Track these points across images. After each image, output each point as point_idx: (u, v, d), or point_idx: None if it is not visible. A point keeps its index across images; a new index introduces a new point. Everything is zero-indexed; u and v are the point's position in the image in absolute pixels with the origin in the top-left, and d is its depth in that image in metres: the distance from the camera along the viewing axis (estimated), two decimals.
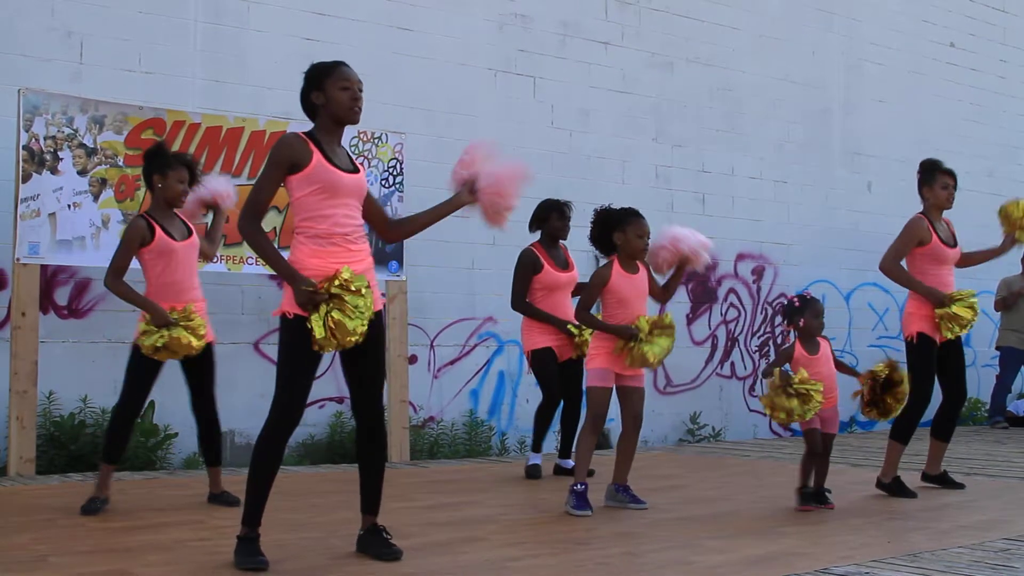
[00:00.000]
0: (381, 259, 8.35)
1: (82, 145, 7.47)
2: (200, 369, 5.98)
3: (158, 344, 5.71)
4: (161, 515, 5.75)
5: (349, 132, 8.42)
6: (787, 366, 6.09)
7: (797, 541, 5.26)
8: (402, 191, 8.70)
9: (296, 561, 4.55)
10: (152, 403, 6.75)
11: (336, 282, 4.37)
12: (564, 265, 7.58)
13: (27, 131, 7.27)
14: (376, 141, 8.63)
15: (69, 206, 7.39)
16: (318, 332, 4.34)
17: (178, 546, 4.86)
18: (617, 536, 5.36)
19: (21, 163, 7.24)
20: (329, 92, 4.56)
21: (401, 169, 8.73)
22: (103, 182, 7.54)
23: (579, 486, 5.99)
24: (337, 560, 4.62)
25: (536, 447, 7.71)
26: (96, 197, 7.50)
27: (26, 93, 7.31)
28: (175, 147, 7.59)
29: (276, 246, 4.71)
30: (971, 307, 6.75)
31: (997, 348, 12.41)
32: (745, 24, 11.64)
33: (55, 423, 7.68)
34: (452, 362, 9.66)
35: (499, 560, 4.73)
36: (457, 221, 9.46)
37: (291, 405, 4.45)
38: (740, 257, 11.50)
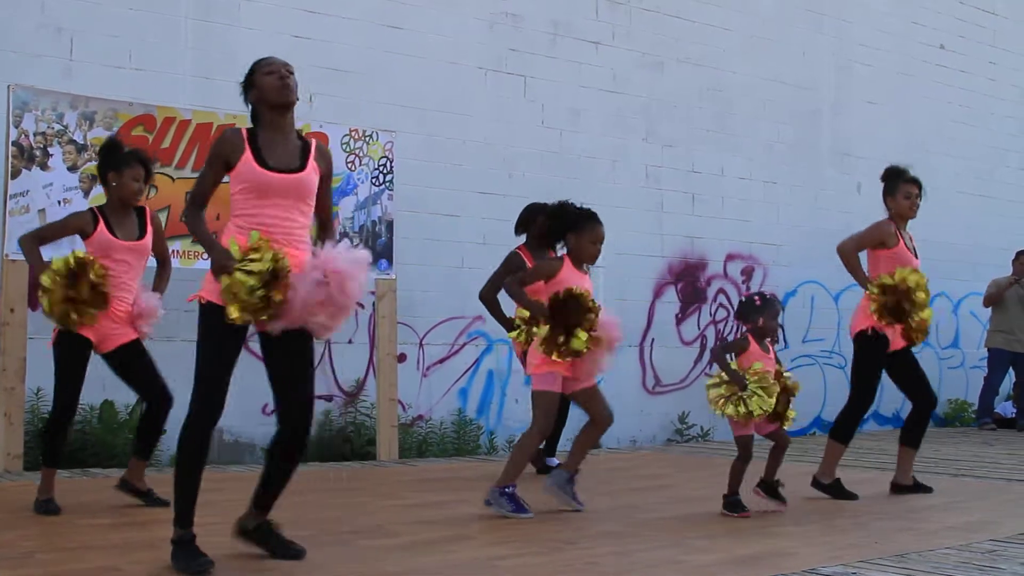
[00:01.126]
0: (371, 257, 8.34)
1: (72, 141, 7.45)
2: (131, 361, 5.88)
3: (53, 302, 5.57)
4: (149, 512, 5.75)
5: (339, 130, 8.45)
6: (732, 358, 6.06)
7: (785, 541, 5.27)
8: (392, 189, 8.70)
9: (280, 560, 4.53)
10: (140, 400, 6.74)
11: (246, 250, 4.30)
12: None
13: (16, 127, 7.25)
14: (367, 139, 8.62)
15: (59, 202, 7.36)
16: (224, 294, 4.25)
17: (165, 544, 4.84)
18: (605, 535, 5.37)
19: (10, 159, 7.22)
20: (257, 82, 4.51)
21: (391, 167, 8.72)
22: (93, 179, 7.51)
23: (509, 488, 5.89)
24: (329, 558, 4.61)
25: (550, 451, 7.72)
26: (86, 193, 7.47)
27: (16, 89, 7.29)
28: (165, 143, 7.59)
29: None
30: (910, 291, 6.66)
31: (986, 349, 12.45)
32: (736, 25, 11.65)
33: (43, 420, 7.65)
34: (441, 361, 9.66)
35: (487, 559, 4.74)
36: (446, 219, 9.54)
37: (212, 395, 4.35)
38: (729, 257, 11.51)
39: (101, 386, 7.72)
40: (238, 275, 4.23)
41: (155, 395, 5.95)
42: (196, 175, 7.73)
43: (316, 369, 8.31)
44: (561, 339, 5.86)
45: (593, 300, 5.98)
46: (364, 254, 4.48)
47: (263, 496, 4.60)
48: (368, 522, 5.54)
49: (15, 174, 7.24)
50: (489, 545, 5.12)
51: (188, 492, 4.37)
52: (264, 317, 4.32)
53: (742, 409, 5.89)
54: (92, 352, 5.83)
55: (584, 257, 6.09)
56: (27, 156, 7.28)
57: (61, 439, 5.84)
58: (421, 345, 9.52)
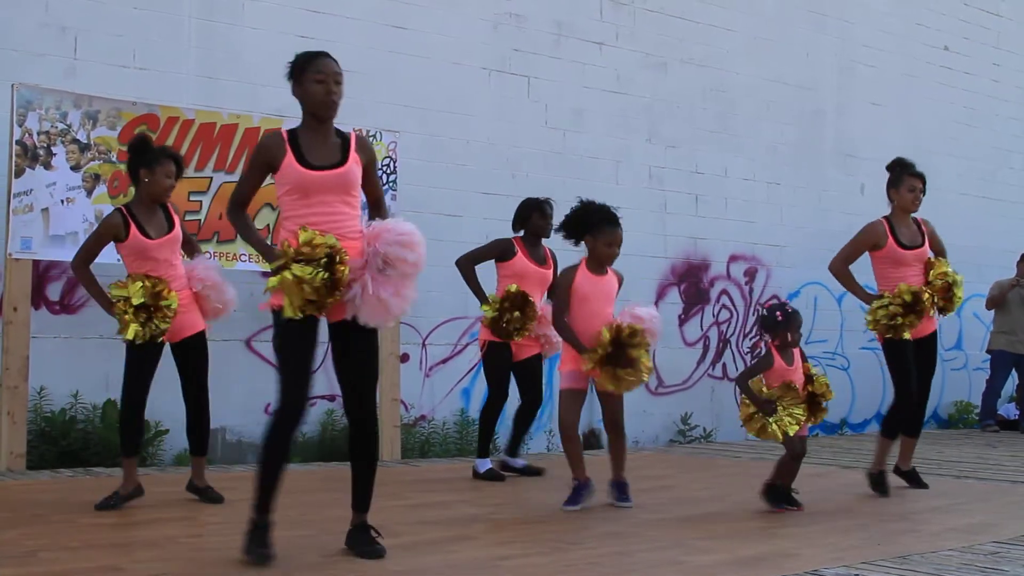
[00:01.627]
0: None
1: (75, 140, 7.45)
2: (187, 356, 5.98)
3: (133, 332, 5.69)
4: (152, 511, 5.75)
5: (343, 130, 8.43)
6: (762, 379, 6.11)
7: (787, 542, 5.27)
8: (396, 190, 8.70)
9: (287, 559, 4.54)
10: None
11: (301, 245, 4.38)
12: (541, 261, 7.56)
13: (20, 126, 7.26)
14: (370, 139, 8.62)
15: (62, 201, 7.37)
16: (287, 278, 4.32)
17: (168, 542, 4.86)
18: (608, 536, 5.37)
19: (14, 158, 7.23)
20: (304, 85, 4.54)
21: (395, 168, 8.73)
22: (96, 178, 7.53)
23: (576, 482, 6.14)
24: (328, 558, 4.61)
25: (484, 451, 7.58)
26: (89, 193, 7.48)
27: (19, 88, 7.30)
28: (169, 142, 7.59)
29: (269, 243, 4.72)
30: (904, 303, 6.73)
31: (988, 351, 12.44)
32: (739, 25, 11.65)
33: (46, 418, 7.67)
34: (444, 361, 9.66)
35: (489, 559, 4.74)
36: (449, 220, 9.54)
37: (294, 394, 4.44)
38: (733, 258, 11.51)
39: (103, 386, 7.75)
40: (295, 267, 4.31)
41: (193, 399, 6.03)
42: (199, 175, 7.85)
43: (319, 369, 8.35)
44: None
45: (637, 335, 6.03)
46: (410, 225, 4.58)
47: (354, 497, 4.70)
48: (370, 522, 5.53)
49: (19, 173, 7.24)
50: (491, 545, 5.12)
51: (268, 484, 4.48)
52: (331, 301, 4.40)
53: (778, 432, 6.00)
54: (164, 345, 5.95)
55: (600, 259, 6.21)
56: (31, 155, 7.29)
57: (134, 430, 5.91)
58: (424, 345, 9.52)
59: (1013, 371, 12.33)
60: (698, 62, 11.33)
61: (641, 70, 10.95)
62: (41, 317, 7.77)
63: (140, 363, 5.82)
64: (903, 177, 6.98)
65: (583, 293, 6.17)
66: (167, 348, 5.95)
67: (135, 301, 5.67)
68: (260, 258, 7.90)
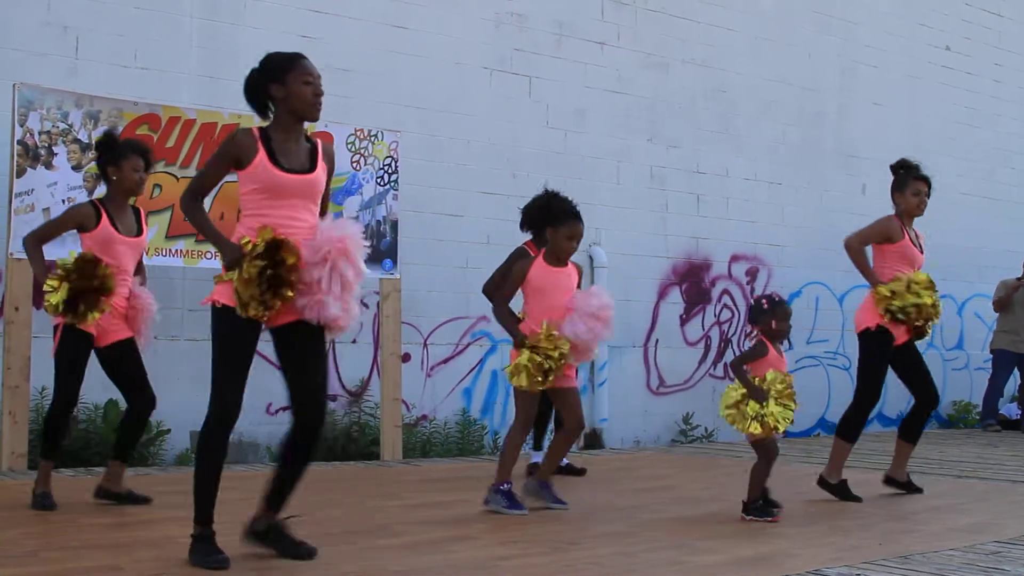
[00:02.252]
0: (376, 257, 8.35)
1: (77, 140, 7.45)
2: (123, 359, 5.89)
3: (60, 300, 5.57)
4: (152, 511, 5.75)
5: (344, 130, 8.45)
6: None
7: (788, 542, 5.26)
8: (397, 189, 8.70)
9: (283, 559, 4.53)
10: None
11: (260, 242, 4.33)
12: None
13: (22, 126, 7.26)
14: (371, 139, 8.62)
15: (63, 201, 7.36)
16: (237, 287, 4.28)
17: (168, 542, 4.85)
18: (608, 536, 5.36)
19: (16, 158, 7.23)
20: (291, 86, 4.46)
21: (396, 167, 8.72)
22: (97, 177, 7.51)
23: (504, 485, 5.96)
24: (329, 557, 4.60)
25: (538, 444, 7.66)
26: (90, 193, 7.46)
27: (21, 88, 7.30)
28: (170, 142, 7.59)
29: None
30: (916, 294, 6.59)
31: (991, 351, 12.43)
32: (740, 25, 11.65)
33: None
34: (445, 361, 9.66)
35: (490, 559, 4.73)
36: (451, 220, 9.54)
37: (229, 397, 4.36)
38: (734, 258, 11.51)
39: (104, 386, 7.72)
40: (247, 265, 4.26)
41: (139, 397, 5.93)
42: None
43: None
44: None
45: (560, 349, 5.95)
46: (354, 224, 4.50)
47: (275, 496, 4.60)
48: (371, 522, 5.54)
49: (20, 173, 7.24)
50: (492, 545, 5.11)
51: (207, 491, 4.40)
52: (277, 303, 4.34)
53: (763, 427, 5.82)
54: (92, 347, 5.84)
55: (558, 252, 6.11)
56: (32, 155, 7.29)
57: (61, 433, 5.85)
58: (425, 345, 9.52)
59: (1015, 370, 12.33)
60: (700, 62, 11.33)
61: (642, 70, 10.94)
62: (43, 317, 7.72)
63: (74, 358, 5.72)
64: (908, 180, 6.88)
65: (538, 285, 6.06)
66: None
67: (68, 268, 5.57)
68: None
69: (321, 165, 4.54)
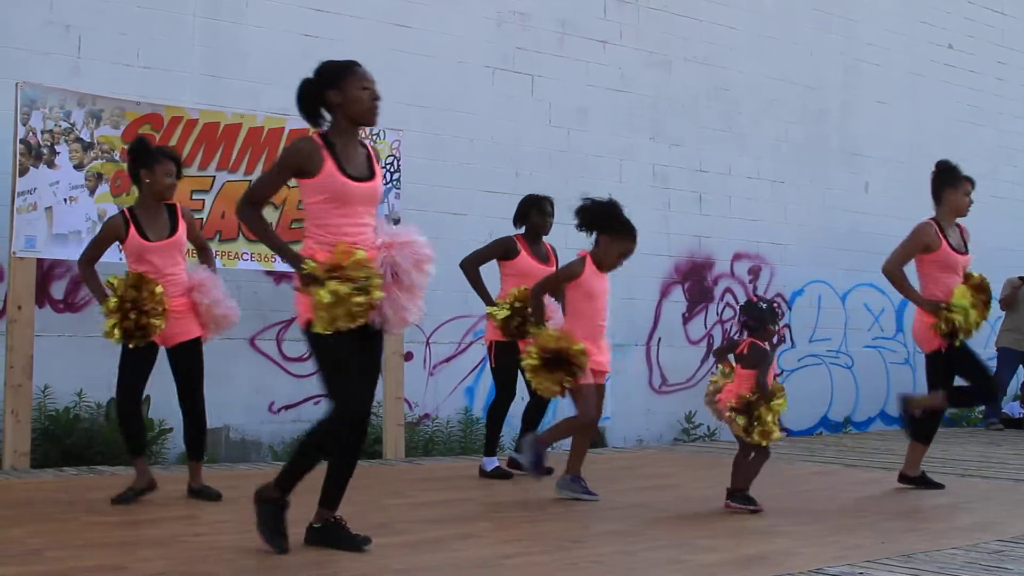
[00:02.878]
0: None
1: (79, 139, 7.46)
2: (180, 362, 5.98)
3: (116, 330, 5.74)
4: (156, 510, 5.75)
5: None
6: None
7: (791, 541, 5.26)
8: (399, 188, 8.70)
9: (295, 554, 4.53)
10: (148, 398, 6.77)
11: (337, 263, 4.38)
12: (544, 259, 7.54)
13: (24, 125, 7.26)
14: (374, 138, 8.62)
15: (65, 200, 7.38)
16: (324, 297, 4.31)
17: (173, 541, 4.86)
18: (611, 534, 5.37)
19: (18, 156, 7.23)
20: (349, 91, 4.52)
21: (399, 166, 8.73)
22: (99, 176, 7.54)
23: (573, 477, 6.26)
24: (335, 555, 4.61)
25: (491, 450, 7.50)
26: (92, 191, 7.49)
27: (24, 87, 7.30)
28: (172, 141, 7.60)
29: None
30: (964, 310, 6.62)
31: (995, 349, 12.42)
32: (743, 24, 11.64)
33: (50, 417, 7.68)
34: (447, 359, 9.67)
35: (493, 557, 4.73)
36: (453, 218, 9.53)
37: (350, 402, 4.42)
38: (737, 257, 11.50)
39: (107, 385, 7.73)
40: (332, 284, 4.31)
41: (187, 408, 6.05)
42: (203, 173, 7.84)
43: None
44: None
45: (579, 357, 6.09)
46: (426, 244, 4.85)
47: (330, 493, 4.66)
48: (374, 520, 5.53)
49: (23, 171, 7.24)
50: (495, 544, 5.12)
51: (300, 472, 4.53)
52: (360, 320, 4.42)
53: (757, 427, 5.91)
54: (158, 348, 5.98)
55: (607, 263, 6.25)
56: (34, 154, 7.29)
57: (130, 430, 5.95)
58: (428, 344, 9.53)
59: (1019, 369, 12.31)
60: (702, 60, 11.32)
61: (645, 68, 10.94)
62: (45, 315, 7.78)
63: (131, 363, 5.87)
64: (960, 180, 6.88)
65: (589, 288, 6.19)
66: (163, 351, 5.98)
67: (115, 297, 5.74)
68: (262, 257, 7.96)
69: (379, 170, 4.65)
